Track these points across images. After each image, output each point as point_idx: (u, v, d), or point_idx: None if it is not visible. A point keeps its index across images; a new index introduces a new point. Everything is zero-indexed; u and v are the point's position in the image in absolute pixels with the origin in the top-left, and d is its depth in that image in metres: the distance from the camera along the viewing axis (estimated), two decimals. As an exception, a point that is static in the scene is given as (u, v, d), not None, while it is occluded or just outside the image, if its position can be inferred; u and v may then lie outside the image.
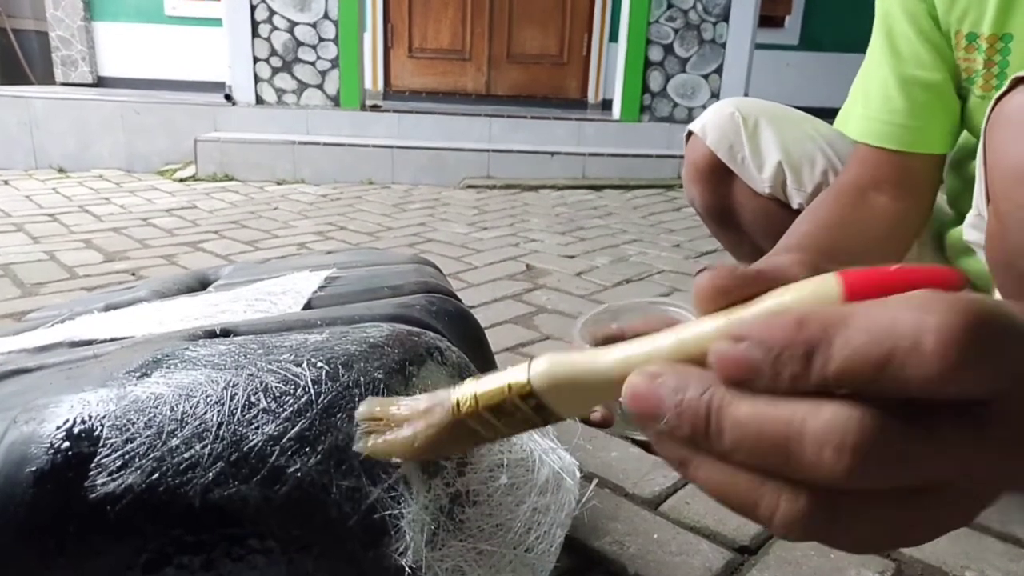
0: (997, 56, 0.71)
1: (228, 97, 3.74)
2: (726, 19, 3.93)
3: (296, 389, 0.41)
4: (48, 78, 4.80)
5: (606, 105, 4.80)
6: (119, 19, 4.83)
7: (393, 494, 0.38)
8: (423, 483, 0.40)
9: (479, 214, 2.70)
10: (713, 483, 0.21)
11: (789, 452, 0.19)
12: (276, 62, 3.73)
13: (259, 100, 3.76)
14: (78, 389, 0.41)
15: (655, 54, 3.95)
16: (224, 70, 3.79)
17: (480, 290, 1.69)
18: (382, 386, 0.42)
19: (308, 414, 0.39)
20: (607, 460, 0.91)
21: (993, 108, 0.58)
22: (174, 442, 0.38)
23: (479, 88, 4.97)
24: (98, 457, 0.37)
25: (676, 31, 3.93)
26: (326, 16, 3.70)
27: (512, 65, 4.94)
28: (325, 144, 3.41)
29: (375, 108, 3.95)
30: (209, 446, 0.38)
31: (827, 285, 0.22)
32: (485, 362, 0.69)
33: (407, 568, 0.37)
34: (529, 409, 0.27)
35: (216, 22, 4.20)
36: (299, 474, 0.37)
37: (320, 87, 3.78)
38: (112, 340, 0.59)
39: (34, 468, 0.37)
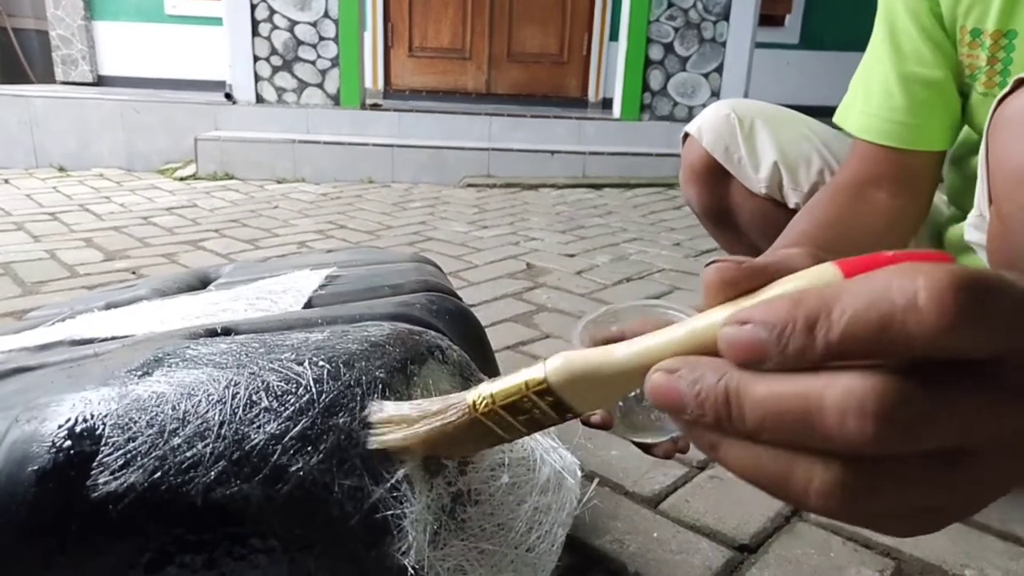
0: (1001, 52, 0.71)
1: (228, 96, 3.74)
2: (726, 18, 3.93)
3: (298, 388, 0.41)
4: (48, 77, 4.80)
5: (606, 104, 4.80)
6: (119, 18, 4.83)
7: (395, 493, 0.38)
8: (425, 482, 0.40)
9: (479, 213, 2.70)
10: (744, 464, 0.22)
11: (812, 424, 0.20)
12: (276, 61, 3.73)
13: (259, 99, 3.76)
14: (80, 388, 0.41)
15: (655, 53, 3.94)
16: (224, 69, 3.79)
17: (480, 288, 1.69)
18: (384, 385, 0.42)
19: (310, 413, 0.39)
20: (607, 459, 0.91)
21: (995, 109, 0.58)
22: (176, 441, 0.38)
23: (479, 87, 4.96)
24: (100, 456, 0.37)
25: (676, 30, 3.93)
26: (326, 15, 3.70)
27: (512, 64, 4.94)
28: (325, 143, 3.41)
29: (375, 107, 3.95)
30: (211, 445, 0.38)
31: (825, 272, 0.22)
32: (486, 360, 0.69)
33: (409, 568, 0.37)
34: (546, 405, 0.27)
35: (216, 21, 4.20)
36: (301, 473, 0.37)
37: (320, 86, 3.78)
38: (113, 339, 0.59)
39: (36, 467, 0.37)
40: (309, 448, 0.38)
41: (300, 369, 0.42)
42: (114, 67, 4.88)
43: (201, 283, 0.86)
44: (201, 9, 4.81)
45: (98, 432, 0.38)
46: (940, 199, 0.91)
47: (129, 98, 3.63)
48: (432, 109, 3.92)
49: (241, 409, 0.39)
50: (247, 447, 0.38)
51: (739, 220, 1.12)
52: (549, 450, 0.45)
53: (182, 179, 3.27)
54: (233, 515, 0.37)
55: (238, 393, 0.40)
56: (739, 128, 1.05)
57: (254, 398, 0.40)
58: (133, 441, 0.37)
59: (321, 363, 0.42)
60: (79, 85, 4.64)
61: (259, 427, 0.38)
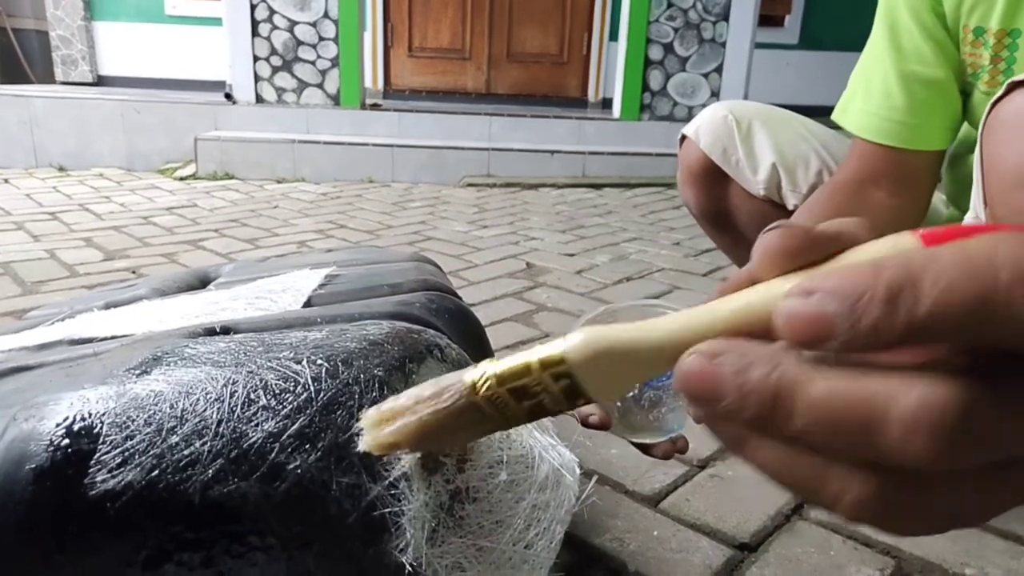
0: (1004, 52, 0.71)
1: (228, 96, 3.74)
2: (726, 18, 3.93)
3: (296, 386, 0.41)
4: (48, 77, 4.80)
5: (606, 104, 4.80)
6: (119, 18, 4.83)
7: (393, 491, 0.38)
8: (423, 480, 0.40)
9: (479, 212, 2.70)
10: (773, 466, 0.20)
11: (870, 436, 0.17)
12: (276, 61, 3.73)
13: (259, 99, 3.76)
14: (78, 387, 0.41)
15: (655, 53, 3.94)
16: (224, 69, 3.79)
17: (480, 288, 1.69)
18: (382, 383, 0.42)
19: (308, 411, 0.39)
20: (607, 457, 0.91)
21: (989, 112, 0.58)
22: (174, 439, 0.38)
23: (479, 87, 4.97)
24: (98, 454, 0.37)
25: (676, 30, 3.93)
26: (326, 15, 3.70)
27: (512, 64, 4.94)
28: (325, 143, 3.42)
29: (375, 107, 3.95)
30: (209, 443, 0.38)
31: (904, 241, 0.19)
32: (485, 359, 0.69)
33: (407, 565, 0.37)
34: (558, 390, 0.24)
35: (216, 21, 4.20)
36: (299, 471, 0.37)
37: (320, 86, 3.78)
38: (112, 338, 0.59)
39: (34, 465, 0.36)
40: (307, 446, 0.38)
41: (298, 367, 0.42)
42: (114, 67, 4.88)
43: (201, 283, 0.86)
44: (201, 9, 4.81)
45: (96, 430, 0.38)
46: (939, 199, 0.91)
47: (129, 98, 3.63)
48: (432, 109, 3.92)
49: (239, 407, 0.39)
50: (245, 445, 0.38)
51: (737, 222, 1.11)
52: (548, 447, 0.45)
53: (182, 179, 3.27)
54: (231, 513, 0.37)
55: (236, 391, 0.40)
56: (737, 130, 1.05)
57: (252, 396, 0.40)
58: (131, 439, 0.37)
59: (319, 361, 0.42)
60: (79, 85, 4.64)
61: (257, 425, 0.38)
